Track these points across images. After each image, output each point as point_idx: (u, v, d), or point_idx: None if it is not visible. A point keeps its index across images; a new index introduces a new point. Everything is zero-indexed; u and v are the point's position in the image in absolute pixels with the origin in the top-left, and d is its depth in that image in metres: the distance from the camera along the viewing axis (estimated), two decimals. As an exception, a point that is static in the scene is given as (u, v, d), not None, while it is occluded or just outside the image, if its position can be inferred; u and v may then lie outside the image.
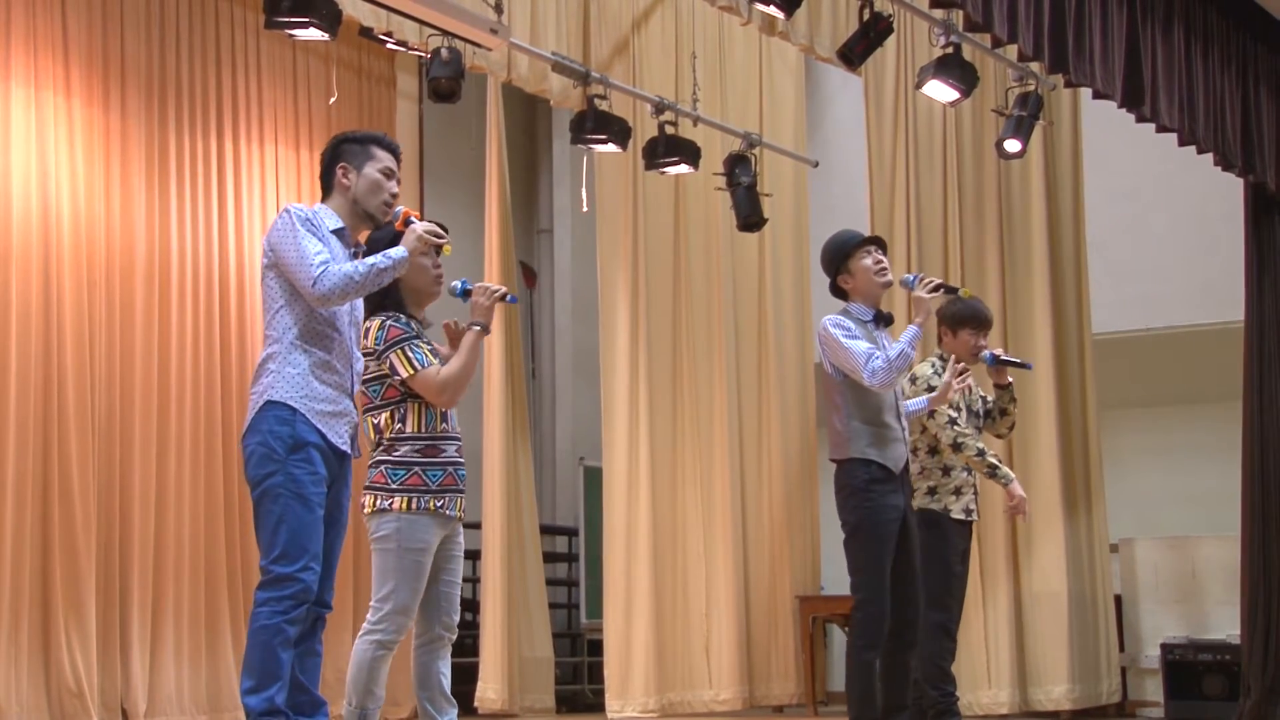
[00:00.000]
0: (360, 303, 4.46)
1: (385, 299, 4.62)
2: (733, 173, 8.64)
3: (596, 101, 7.98)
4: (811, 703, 9.13)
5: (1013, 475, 6.12)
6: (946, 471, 6.10)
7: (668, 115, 8.37)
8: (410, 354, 4.50)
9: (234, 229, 8.66)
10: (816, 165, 9.74)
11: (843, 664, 10.09)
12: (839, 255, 5.71)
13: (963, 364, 5.91)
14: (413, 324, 4.61)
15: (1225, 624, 8.24)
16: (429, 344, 4.63)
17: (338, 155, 4.42)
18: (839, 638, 10.12)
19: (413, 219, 4.39)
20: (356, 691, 4.51)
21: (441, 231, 4.36)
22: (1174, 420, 9.62)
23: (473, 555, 9.96)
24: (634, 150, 8.50)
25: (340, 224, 4.35)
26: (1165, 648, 8.31)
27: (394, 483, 4.50)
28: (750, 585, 9.32)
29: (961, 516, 6.12)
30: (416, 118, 9.81)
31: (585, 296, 10.46)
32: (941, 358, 6.21)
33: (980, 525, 8.46)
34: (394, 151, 4.49)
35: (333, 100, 8.81)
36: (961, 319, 6.20)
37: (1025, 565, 8.46)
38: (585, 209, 9.16)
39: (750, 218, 8.65)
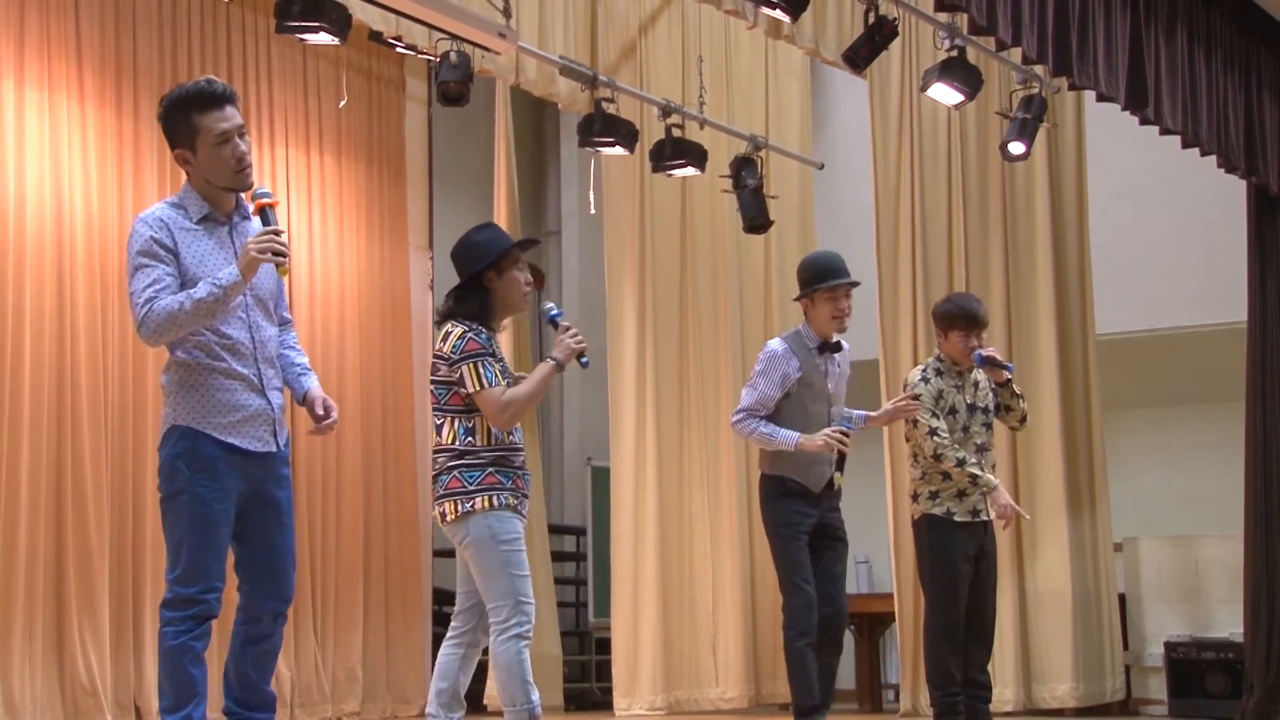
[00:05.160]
0: (264, 280, 4.16)
1: (474, 307, 4.69)
2: (739, 175, 8.69)
3: (604, 105, 8.04)
4: (817, 701, 9.17)
5: (995, 482, 6.12)
6: (947, 475, 6.12)
7: (674, 118, 8.43)
8: (482, 370, 4.60)
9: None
10: (822, 167, 9.80)
11: (849, 663, 10.19)
12: (815, 278, 6.04)
13: (839, 432, 5.86)
14: (493, 340, 4.70)
15: (1228, 622, 8.28)
16: (502, 363, 4.69)
17: (170, 137, 4.05)
18: (845, 636, 10.17)
19: (268, 210, 4.07)
20: (518, 691, 4.60)
21: (280, 247, 3.98)
22: (1177, 420, 9.66)
23: (481, 555, 10.04)
24: (641, 153, 8.56)
25: (205, 209, 4.06)
26: (1169, 646, 8.35)
27: (471, 484, 4.62)
28: (756, 584, 9.36)
29: (967, 519, 6.13)
30: (425, 121, 9.88)
31: (593, 298, 10.52)
32: (939, 359, 6.27)
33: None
34: (220, 103, 4.00)
35: (342, 104, 8.88)
36: (951, 319, 6.24)
37: (1029, 564, 8.50)
38: (593, 211, 9.22)
39: (756, 220, 8.70)
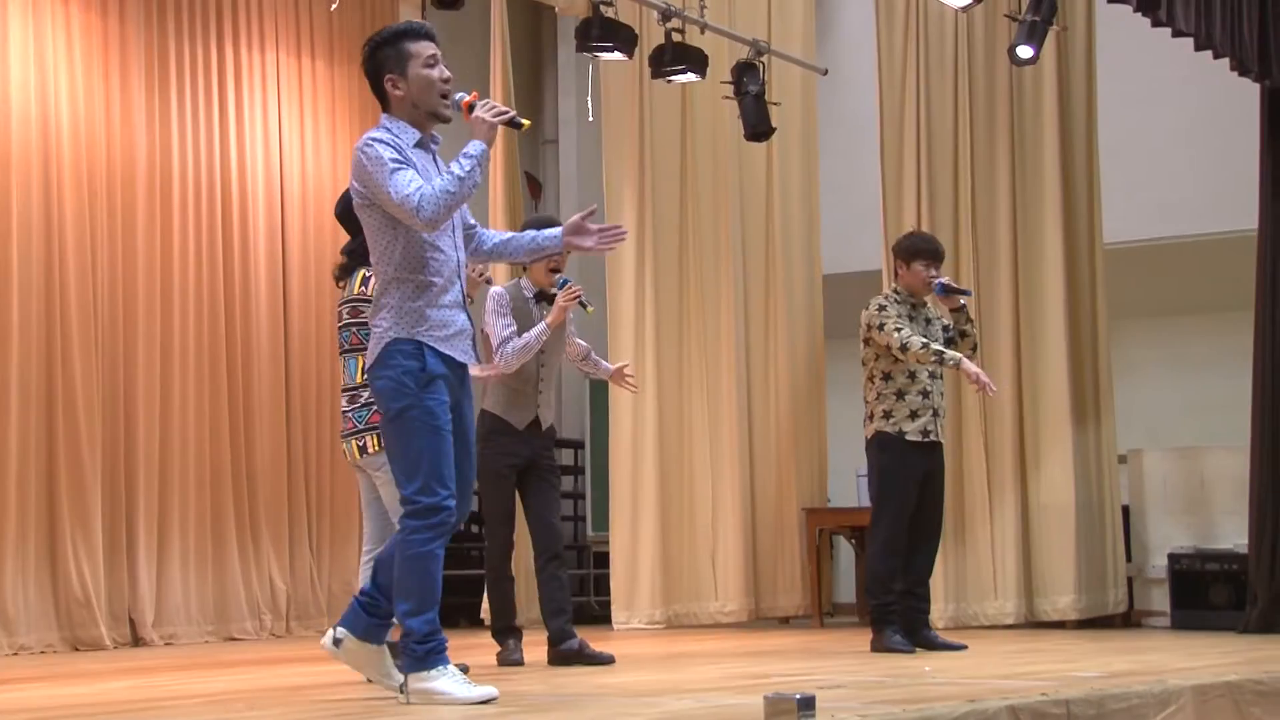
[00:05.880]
0: (465, 208, 4.41)
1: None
2: (740, 81, 8.53)
3: (602, 8, 7.87)
4: (817, 614, 9.16)
5: (959, 355, 6.29)
6: (900, 395, 6.37)
7: (675, 22, 8.24)
8: None
9: (235, 135, 8.60)
10: (826, 73, 9.61)
11: (849, 576, 10.17)
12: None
13: (576, 289, 5.93)
14: None
15: (1233, 534, 8.23)
16: None
17: (378, 66, 4.30)
18: (845, 550, 10.15)
19: (475, 104, 4.28)
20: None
21: (506, 109, 4.27)
22: (1185, 330, 9.55)
23: (479, 468, 10.00)
24: (640, 58, 8.41)
25: (416, 134, 4.29)
26: (1172, 558, 8.30)
27: None
28: (756, 497, 9.32)
29: (918, 439, 6.38)
30: (420, 25, 9.68)
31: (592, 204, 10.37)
32: (896, 291, 6.49)
33: (988, 437, 8.47)
34: (428, 37, 4.34)
35: (334, 6, 8.70)
36: (915, 251, 6.49)
37: (1033, 476, 8.44)
38: (591, 119, 9.07)
39: (758, 127, 8.55)
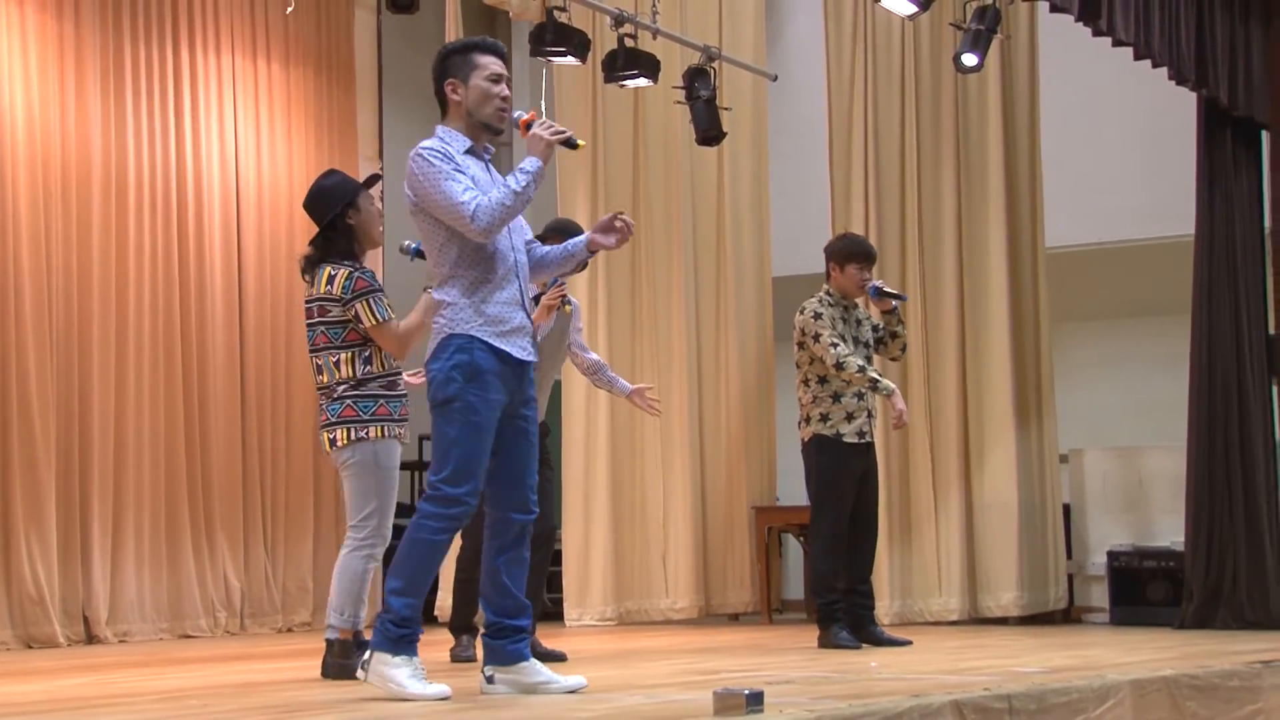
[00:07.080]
0: (525, 226, 4.53)
1: (346, 245, 5.16)
2: (692, 86, 8.62)
3: (556, 14, 7.94)
4: (766, 611, 9.29)
5: (893, 387, 6.44)
6: (837, 398, 6.49)
7: (627, 28, 8.33)
8: (374, 306, 5.06)
9: (190, 140, 8.61)
10: (776, 79, 9.73)
11: (798, 573, 10.29)
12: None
13: (562, 287, 5.98)
14: (376, 277, 5.17)
15: (1170, 532, 8.41)
16: (387, 298, 5.13)
17: (444, 71, 4.39)
18: (794, 548, 10.27)
19: (533, 123, 4.37)
20: (350, 602, 5.10)
21: (563, 129, 4.35)
22: (1125, 333, 9.74)
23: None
24: (593, 63, 8.48)
25: (468, 142, 4.36)
26: (1111, 555, 8.48)
27: (366, 414, 5.10)
28: (707, 496, 9.43)
29: (854, 440, 6.51)
30: (375, 29, 9.74)
31: (544, 210, 10.44)
32: (828, 293, 6.60)
33: (933, 436, 8.63)
34: (497, 53, 4.43)
35: (289, 10, 8.73)
36: (849, 254, 6.61)
37: (976, 475, 8.59)
38: (544, 122, 9.11)
39: (709, 131, 8.65)
